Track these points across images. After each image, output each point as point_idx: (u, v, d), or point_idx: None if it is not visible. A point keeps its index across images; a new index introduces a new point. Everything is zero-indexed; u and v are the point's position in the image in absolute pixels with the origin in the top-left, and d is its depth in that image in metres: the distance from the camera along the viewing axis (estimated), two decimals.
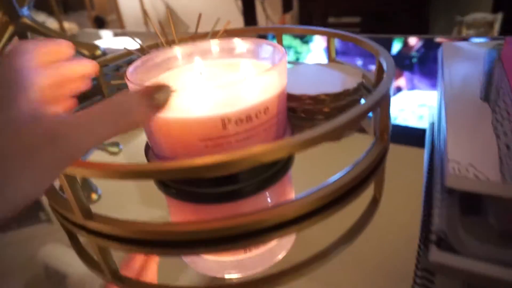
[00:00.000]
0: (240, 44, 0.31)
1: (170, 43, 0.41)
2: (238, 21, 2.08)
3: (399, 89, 0.46)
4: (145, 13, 2.45)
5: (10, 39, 0.45)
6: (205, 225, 0.22)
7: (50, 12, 2.26)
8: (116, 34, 1.00)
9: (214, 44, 0.32)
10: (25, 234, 0.27)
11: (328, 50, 0.43)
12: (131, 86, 0.25)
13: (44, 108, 0.17)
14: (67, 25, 2.29)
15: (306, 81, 0.34)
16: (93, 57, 0.49)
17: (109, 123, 0.17)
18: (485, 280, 0.16)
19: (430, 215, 0.18)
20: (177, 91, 0.21)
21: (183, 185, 0.27)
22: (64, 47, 0.23)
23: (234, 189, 0.27)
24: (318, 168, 0.29)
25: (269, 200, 0.27)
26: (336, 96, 0.32)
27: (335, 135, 0.21)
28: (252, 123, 0.24)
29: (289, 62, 0.49)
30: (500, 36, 1.30)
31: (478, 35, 1.41)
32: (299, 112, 0.33)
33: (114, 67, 0.48)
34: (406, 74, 0.47)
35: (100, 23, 2.21)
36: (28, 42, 0.21)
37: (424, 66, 0.48)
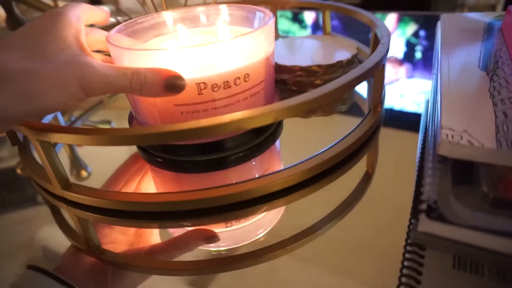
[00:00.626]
0: (229, 11, 0.29)
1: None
2: None
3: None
4: None
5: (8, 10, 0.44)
6: (188, 195, 0.21)
7: None
8: (112, 12, 0.97)
9: (203, 11, 0.30)
10: (23, 216, 0.26)
11: (323, 23, 0.41)
12: (112, 48, 0.23)
13: (82, 54, 0.20)
14: (62, 3, 2.23)
15: (298, 53, 0.33)
16: None
17: (124, 86, 0.20)
18: (476, 251, 0.15)
19: (421, 186, 0.17)
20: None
21: (167, 153, 0.26)
22: (106, 16, 0.26)
23: (219, 157, 0.26)
24: (309, 142, 0.28)
25: (255, 170, 0.26)
26: (329, 68, 0.30)
27: (328, 107, 0.20)
28: (231, 90, 0.23)
29: (282, 37, 0.47)
30: None
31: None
32: (290, 85, 0.31)
33: None
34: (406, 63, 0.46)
35: (95, 1, 2.16)
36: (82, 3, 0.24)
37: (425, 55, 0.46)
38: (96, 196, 0.22)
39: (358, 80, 0.22)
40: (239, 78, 0.23)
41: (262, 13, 0.27)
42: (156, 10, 0.37)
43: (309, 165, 0.22)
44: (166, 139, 0.19)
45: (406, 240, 0.20)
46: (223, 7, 0.29)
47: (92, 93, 0.20)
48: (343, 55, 0.31)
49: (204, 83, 0.22)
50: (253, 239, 0.22)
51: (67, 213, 0.24)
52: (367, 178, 0.25)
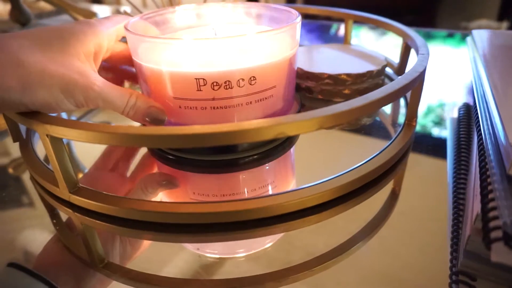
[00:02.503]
0: (256, 9, 0.28)
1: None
2: None
3: None
4: None
5: None
6: (208, 207, 0.19)
7: None
8: (113, 12, 0.96)
9: (229, 7, 0.28)
10: (5, 217, 0.24)
11: (345, 33, 0.40)
12: (129, 36, 0.22)
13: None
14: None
15: (324, 60, 0.31)
16: None
17: (119, 108, 0.21)
18: None
19: (486, 210, 0.15)
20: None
21: (176, 151, 0.24)
22: None
23: (231, 159, 0.24)
24: (327, 153, 0.26)
25: (268, 175, 0.24)
26: (358, 77, 0.29)
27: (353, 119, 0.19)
28: (232, 91, 0.21)
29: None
30: None
31: None
32: (316, 93, 0.30)
33: None
34: None
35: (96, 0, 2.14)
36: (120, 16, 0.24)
37: None
38: (109, 203, 0.19)
39: (401, 92, 0.20)
40: (243, 79, 0.21)
41: (286, 12, 0.26)
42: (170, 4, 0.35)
43: (342, 181, 0.20)
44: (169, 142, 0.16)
45: (451, 268, 0.18)
46: (253, 5, 0.28)
47: (88, 106, 0.20)
48: (372, 65, 0.30)
49: (203, 79, 0.20)
50: (261, 248, 0.20)
51: (70, 220, 0.22)
52: (394, 196, 0.23)
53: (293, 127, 0.17)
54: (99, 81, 0.20)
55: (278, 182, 0.23)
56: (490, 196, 0.15)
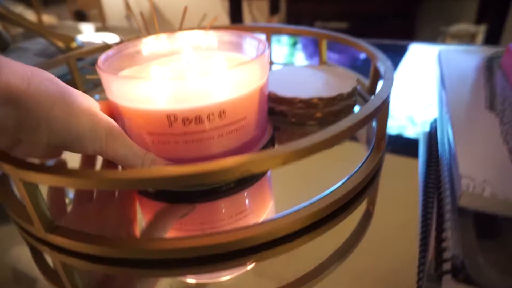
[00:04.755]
0: (224, 37, 0.28)
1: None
2: (223, 20, 2.06)
3: None
4: (128, 7, 2.39)
5: None
6: (185, 242, 0.19)
7: (29, 4, 2.18)
8: (97, 29, 0.96)
9: (194, 35, 0.29)
10: None
11: (319, 52, 0.41)
12: (102, 75, 0.22)
13: None
14: (46, 18, 2.20)
15: (297, 84, 0.32)
16: (68, 49, 0.45)
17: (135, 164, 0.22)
18: None
19: (440, 239, 0.16)
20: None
21: None
22: None
23: (208, 189, 0.24)
24: (306, 176, 0.27)
25: (247, 201, 0.24)
26: (330, 101, 0.30)
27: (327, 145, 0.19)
28: (203, 125, 0.22)
29: (276, 63, 0.47)
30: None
31: (462, 45, 1.44)
32: (289, 117, 0.30)
33: (91, 61, 0.45)
34: None
35: (81, 18, 2.14)
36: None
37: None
38: (87, 241, 0.20)
39: (367, 119, 0.21)
40: (213, 114, 0.22)
41: (254, 40, 0.26)
42: (146, 25, 0.36)
43: (312, 209, 0.21)
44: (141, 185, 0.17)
45: None
46: (220, 33, 0.29)
47: (106, 154, 0.22)
48: (343, 87, 0.31)
49: (174, 115, 0.21)
50: (239, 272, 0.20)
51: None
52: (368, 216, 0.24)
53: (256, 165, 0.17)
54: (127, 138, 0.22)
55: (254, 208, 0.24)
56: (444, 225, 0.16)
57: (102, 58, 0.24)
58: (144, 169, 0.18)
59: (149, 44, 0.29)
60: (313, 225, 0.21)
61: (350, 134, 0.21)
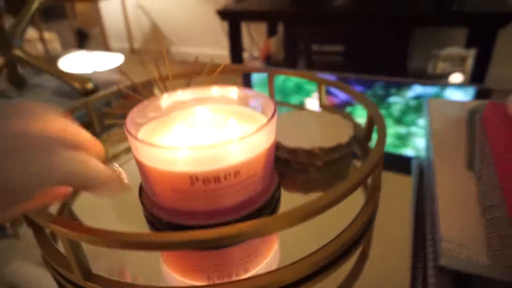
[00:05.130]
0: (235, 93, 0.32)
1: (164, 79, 0.41)
2: (222, 40, 2.11)
3: None
4: (141, 54, 2.43)
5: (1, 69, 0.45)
6: None
7: (31, 21, 2.20)
8: (102, 56, 0.99)
9: (211, 91, 0.33)
10: None
11: (319, 97, 0.45)
12: (131, 139, 0.25)
13: None
14: (47, 35, 2.24)
15: (299, 133, 0.35)
16: (84, 90, 0.48)
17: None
18: None
19: None
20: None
21: (168, 229, 0.28)
22: (96, 151, 0.24)
23: None
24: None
25: (253, 246, 0.27)
26: (329, 150, 0.33)
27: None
28: (221, 183, 0.25)
29: (281, 103, 0.50)
30: (475, 71, 1.36)
31: (453, 68, 1.49)
32: (293, 164, 0.34)
33: (104, 101, 0.48)
34: None
35: (82, 37, 2.18)
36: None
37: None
38: (116, 286, 0.23)
39: (362, 181, 0.24)
40: (229, 174, 0.25)
41: (262, 99, 0.30)
42: (158, 69, 0.39)
43: (312, 260, 0.24)
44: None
45: None
46: (228, 89, 0.32)
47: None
48: (341, 136, 0.34)
49: (196, 176, 0.24)
50: None
51: None
52: (364, 257, 0.27)
53: (255, 233, 0.21)
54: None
55: (258, 255, 0.27)
56: (428, 280, 0.20)
57: (128, 120, 0.27)
58: (178, 233, 0.20)
59: (167, 101, 0.32)
60: (316, 272, 0.24)
61: (349, 194, 0.24)
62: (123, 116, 0.28)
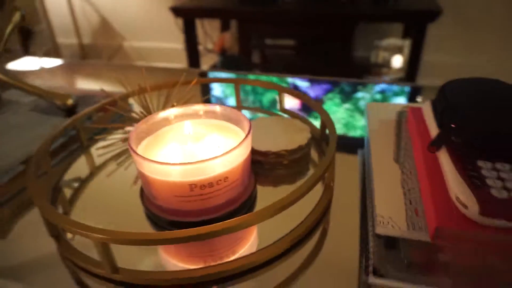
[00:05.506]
0: (219, 110, 0.39)
1: (143, 91, 0.47)
2: (175, 34, 2.11)
3: None
4: (76, 24, 2.33)
5: None
6: (200, 272, 0.30)
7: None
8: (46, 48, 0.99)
9: (195, 108, 0.39)
10: None
11: (279, 101, 0.52)
12: (136, 158, 0.31)
13: None
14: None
15: (267, 138, 0.43)
16: (65, 106, 0.52)
17: None
18: None
19: (368, 252, 0.28)
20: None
21: (169, 226, 0.35)
22: None
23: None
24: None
25: (237, 236, 0.34)
26: (293, 151, 0.41)
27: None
28: (214, 187, 0.32)
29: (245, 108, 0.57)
30: (411, 59, 1.52)
31: (391, 56, 1.65)
32: (264, 164, 0.42)
33: (85, 116, 0.52)
34: None
35: (26, 34, 2.07)
36: None
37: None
38: (140, 277, 0.29)
39: (317, 182, 0.32)
40: (220, 180, 0.32)
41: (241, 117, 0.37)
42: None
43: (278, 245, 0.32)
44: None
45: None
46: (213, 107, 0.39)
47: None
48: (301, 139, 0.42)
49: (194, 184, 0.31)
50: None
51: None
52: (324, 234, 0.35)
53: (240, 227, 0.28)
54: None
55: (240, 242, 0.35)
56: (369, 241, 0.28)
57: (131, 137, 0.33)
58: (187, 230, 0.27)
59: (158, 119, 0.38)
60: (288, 250, 0.32)
61: (311, 189, 0.32)
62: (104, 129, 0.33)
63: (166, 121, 0.39)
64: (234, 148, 0.32)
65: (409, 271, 0.26)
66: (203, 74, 0.87)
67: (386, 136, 0.40)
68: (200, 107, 0.39)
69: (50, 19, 2.27)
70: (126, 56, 2.40)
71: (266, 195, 0.39)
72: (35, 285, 0.32)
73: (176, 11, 1.53)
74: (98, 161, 0.46)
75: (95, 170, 0.45)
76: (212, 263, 0.31)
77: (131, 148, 0.32)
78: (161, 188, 0.33)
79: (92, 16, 2.40)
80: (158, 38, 2.24)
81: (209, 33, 2.02)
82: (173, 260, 0.33)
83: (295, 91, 0.50)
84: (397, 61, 1.64)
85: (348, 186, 0.40)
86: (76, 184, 0.42)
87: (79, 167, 0.45)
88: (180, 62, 2.06)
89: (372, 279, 0.26)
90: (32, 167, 0.36)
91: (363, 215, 0.35)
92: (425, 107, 0.38)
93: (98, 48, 2.47)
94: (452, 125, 0.31)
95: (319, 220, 0.35)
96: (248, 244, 0.34)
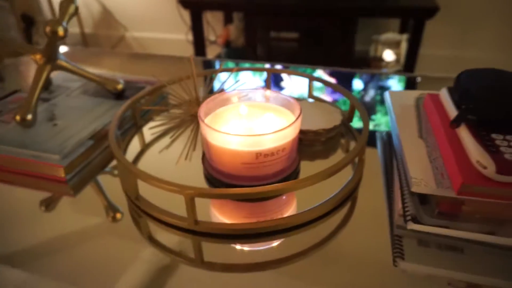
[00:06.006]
0: (274, 95, 0.45)
1: (188, 77, 0.53)
2: (178, 25, 2.15)
3: None
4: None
5: (47, 77, 0.53)
6: (258, 225, 0.36)
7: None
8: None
9: (256, 92, 0.45)
10: None
11: (309, 89, 0.59)
12: (206, 128, 0.38)
13: None
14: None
15: (306, 118, 0.49)
16: (116, 91, 0.58)
17: None
18: (434, 237, 0.33)
19: (405, 205, 0.35)
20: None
21: (226, 186, 0.41)
22: None
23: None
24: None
25: (284, 197, 0.41)
26: (329, 130, 0.48)
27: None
28: (274, 156, 0.39)
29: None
30: (408, 53, 1.58)
31: (389, 50, 1.73)
32: (304, 141, 0.48)
33: (139, 98, 0.58)
34: None
35: (29, 23, 2.07)
36: None
37: None
38: (213, 227, 0.36)
39: (353, 157, 0.39)
40: (279, 150, 0.39)
41: (292, 100, 0.43)
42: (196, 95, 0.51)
43: (316, 211, 0.38)
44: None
45: (391, 233, 0.37)
46: (268, 91, 0.45)
47: None
48: (335, 119, 0.49)
49: (260, 153, 0.38)
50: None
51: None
52: (354, 203, 0.42)
53: (290, 189, 0.35)
54: None
55: (286, 206, 0.41)
56: (405, 198, 0.35)
57: (201, 114, 0.39)
58: (245, 189, 0.34)
59: (219, 100, 0.44)
60: (323, 215, 0.39)
61: (347, 165, 0.38)
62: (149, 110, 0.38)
63: (225, 102, 0.45)
64: (291, 123, 0.38)
65: (439, 219, 0.33)
66: (208, 63, 0.92)
67: (409, 118, 0.47)
68: (253, 91, 0.45)
69: (53, 8, 2.27)
70: (127, 46, 2.42)
71: (306, 167, 0.46)
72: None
73: (184, 3, 1.57)
74: (148, 138, 0.52)
75: (145, 147, 0.51)
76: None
77: (203, 122, 0.38)
78: (229, 157, 0.39)
79: (94, 6, 2.41)
80: (161, 28, 2.27)
81: (212, 25, 2.07)
82: (231, 218, 0.40)
83: (324, 80, 0.56)
84: (395, 55, 1.72)
85: (371, 160, 0.47)
86: (133, 157, 0.48)
87: (135, 143, 0.52)
88: (183, 53, 2.10)
89: (411, 225, 0.33)
90: (113, 142, 0.42)
91: (388, 183, 0.42)
92: (442, 93, 0.45)
93: (100, 38, 2.48)
94: (469, 106, 0.38)
95: (355, 187, 0.42)
96: (290, 208, 0.40)
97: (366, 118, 0.45)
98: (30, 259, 0.36)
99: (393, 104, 0.51)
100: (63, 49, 0.92)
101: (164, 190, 0.35)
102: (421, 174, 0.36)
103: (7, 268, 0.35)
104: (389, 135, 0.51)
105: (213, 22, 2.07)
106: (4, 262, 0.35)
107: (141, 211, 0.40)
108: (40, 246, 0.37)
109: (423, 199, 0.35)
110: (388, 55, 1.69)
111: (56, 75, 0.65)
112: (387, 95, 0.54)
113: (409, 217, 0.34)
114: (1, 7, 2.16)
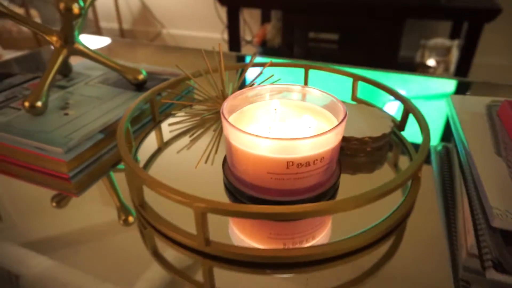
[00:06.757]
0: (311, 92, 0.37)
1: (216, 70, 0.46)
2: (214, 23, 2.12)
3: None
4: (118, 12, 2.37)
5: (64, 60, 0.48)
6: (285, 252, 0.29)
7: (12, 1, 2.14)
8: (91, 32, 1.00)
9: (288, 88, 0.38)
10: None
11: (352, 90, 0.51)
12: (230, 129, 0.31)
13: None
14: (32, 12, 2.16)
15: (349, 123, 0.41)
16: (136, 81, 0.52)
17: None
18: None
19: (481, 244, 0.26)
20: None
21: (248, 198, 0.34)
22: None
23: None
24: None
25: (317, 221, 0.33)
26: (376, 139, 0.39)
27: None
28: (310, 167, 0.31)
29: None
30: (460, 61, 1.45)
31: (438, 57, 1.59)
32: (346, 150, 0.40)
33: (158, 91, 0.52)
34: None
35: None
36: None
37: None
38: (227, 251, 0.29)
39: (407, 179, 0.31)
40: (317, 160, 0.31)
41: (335, 101, 0.35)
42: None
43: (365, 236, 0.30)
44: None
45: (454, 277, 0.29)
46: (302, 87, 0.37)
47: None
48: (384, 127, 0.41)
49: (292, 161, 0.30)
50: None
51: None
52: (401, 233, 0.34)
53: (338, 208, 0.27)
54: None
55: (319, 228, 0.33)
56: (480, 234, 0.27)
57: (224, 108, 0.33)
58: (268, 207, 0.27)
59: (253, 92, 0.37)
60: (366, 246, 0.31)
61: (400, 187, 0.30)
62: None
63: (254, 98, 0.38)
64: (334, 128, 0.31)
65: None
66: (241, 59, 0.86)
67: (480, 130, 0.38)
68: (289, 87, 0.38)
69: (95, 4, 2.32)
70: (163, 43, 2.43)
71: (345, 182, 0.38)
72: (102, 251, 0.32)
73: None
74: (167, 136, 0.46)
75: (162, 146, 0.45)
76: (291, 247, 0.30)
77: (226, 119, 0.32)
78: (253, 164, 0.32)
79: (133, 2, 2.44)
80: (197, 26, 2.25)
81: (249, 25, 2.02)
82: (250, 239, 0.33)
83: (372, 80, 0.48)
84: (446, 62, 1.58)
85: (424, 179, 0.38)
86: (147, 156, 0.42)
87: (151, 139, 0.46)
88: None
89: (493, 274, 0.24)
90: (121, 137, 0.36)
91: (447, 209, 0.33)
92: None
93: (137, 34, 2.50)
94: None
95: (408, 212, 0.34)
96: (323, 232, 0.32)
97: (426, 129, 0.36)
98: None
99: (457, 112, 0.41)
100: (105, 40, 0.89)
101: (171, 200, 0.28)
102: (505, 204, 0.27)
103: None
104: (447, 149, 0.42)
105: (250, 21, 2.02)
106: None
107: (145, 221, 0.33)
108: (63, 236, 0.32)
109: (508, 238, 0.26)
110: (445, 62, 1.56)
111: (77, 62, 0.61)
112: (448, 100, 0.45)
113: (489, 262, 0.25)
114: (46, 1, 2.23)
